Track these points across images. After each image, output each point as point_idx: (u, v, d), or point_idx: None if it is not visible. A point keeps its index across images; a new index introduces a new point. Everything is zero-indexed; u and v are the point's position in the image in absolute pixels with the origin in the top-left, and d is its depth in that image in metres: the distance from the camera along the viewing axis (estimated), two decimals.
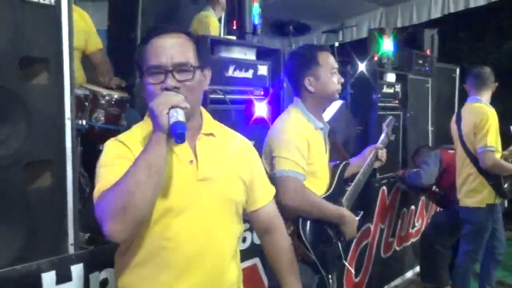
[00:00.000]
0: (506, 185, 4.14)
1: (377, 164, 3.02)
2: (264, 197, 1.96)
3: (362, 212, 2.86)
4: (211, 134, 1.80)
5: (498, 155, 4.08)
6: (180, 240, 1.65)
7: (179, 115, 1.49)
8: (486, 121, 4.07)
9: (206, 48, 1.77)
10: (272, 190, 2.03)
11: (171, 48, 1.65)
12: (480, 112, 4.18)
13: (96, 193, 1.56)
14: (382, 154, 2.99)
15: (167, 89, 1.60)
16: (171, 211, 1.64)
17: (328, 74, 2.64)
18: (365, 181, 2.94)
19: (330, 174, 2.79)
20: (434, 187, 4.91)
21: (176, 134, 1.47)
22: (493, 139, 4.04)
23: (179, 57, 1.64)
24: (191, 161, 1.70)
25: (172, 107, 1.50)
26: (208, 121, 1.83)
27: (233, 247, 1.83)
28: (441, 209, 5.23)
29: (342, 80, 2.71)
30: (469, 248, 4.27)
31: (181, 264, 1.66)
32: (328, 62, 2.65)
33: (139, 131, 1.74)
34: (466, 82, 4.45)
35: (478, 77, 4.34)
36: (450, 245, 4.74)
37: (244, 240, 3.09)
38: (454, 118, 4.46)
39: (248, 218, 1.95)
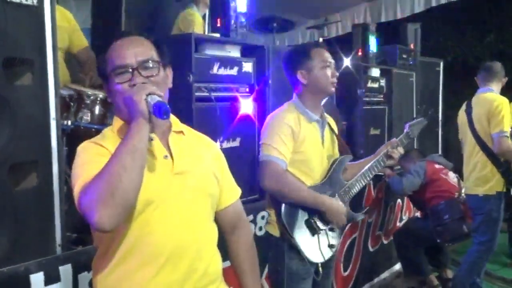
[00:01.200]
0: None
1: (389, 162, 2.97)
2: (232, 195, 2.00)
3: (364, 211, 2.87)
4: (181, 132, 1.85)
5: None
6: (160, 234, 1.66)
7: (157, 98, 1.57)
8: (502, 107, 4.17)
9: (165, 47, 1.84)
10: (238, 189, 2.05)
11: (134, 47, 1.71)
12: (494, 99, 4.28)
13: (78, 188, 1.55)
14: (393, 151, 2.93)
15: (135, 85, 1.65)
16: (150, 205, 1.65)
17: (320, 67, 2.73)
18: (372, 175, 2.95)
19: (328, 166, 2.83)
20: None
21: (161, 111, 1.54)
22: (507, 125, 4.13)
23: (142, 55, 1.70)
24: (166, 156, 1.73)
25: (149, 94, 1.57)
26: (176, 121, 1.87)
27: (214, 240, 1.86)
28: (417, 216, 5.37)
29: (337, 74, 2.80)
30: (485, 238, 4.28)
31: (163, 258, 1.66)
32: (321, 56, 2.75)
33: (110, 132, 1.79)
34: (477, 75, 4.54)
35: (489, 70, 4.46)
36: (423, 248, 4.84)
37: None
38: (463, 107, 4.53)
39: (216, 217, 1.93)
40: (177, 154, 1.75)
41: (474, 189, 4.32)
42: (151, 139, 1.68)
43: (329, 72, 2.75)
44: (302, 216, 2.67)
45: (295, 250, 2.64)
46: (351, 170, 2.94)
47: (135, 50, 1.70)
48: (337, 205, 2.73)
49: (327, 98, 4.53)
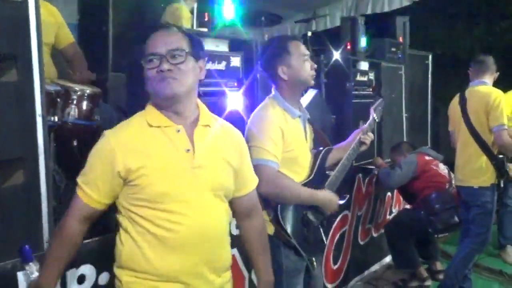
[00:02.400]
0: (509, 166, 4.24)
1: (362, 148, 3.03)
2: (250, 184, 2.16)
3: (348, 196, 2.90)
4: (208, 126, 1.97)
5: None
6: (177, 224, 1.82)
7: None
8: (500, 100, 4.19)
9: (200, 42, 2.00)
10: (256, 179, 2.20)
11: (166, 37, 1.88)
12: (491, 92, 4.29)
13: (78, 180, 1.90)
14: (365, 138, 3.00)
15: (162, 71, 1.81)
16: (166, 196, 1.82)
17: (300, 61, 2.72)
18: (351, 164, 2.98)
19: (312, 160, 2.84)
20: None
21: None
22: (505, 118, 4.16)
23: (172, 44, 1.85)
24: (188, 150, 1.87)
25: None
26: (204, 113, 1.99)
27: (226, 231, 2.01)
28: (406, 207, 5.39)
29: (315, 66, 2.79)
30: (481, 231, 4.30)
31: (180, 247, 1.83)
32: (299, 50, 2.73)
33: (138, 119, 1.95)
34: (470, 68, 4.55)
35: (482, 63, 4.47)
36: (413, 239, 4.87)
37: (237, 226, 3.11)
38: (456, 99, 4.54)
39: (232, 203, 2.09)
40: (199, 149, 1.89)
41: (468, 181, 4.33)
42: (178, 131, 1.87)
43: (308, 65, 2.74)
44: (296, 213, 2.66)
45: (290, 246, 2.65)
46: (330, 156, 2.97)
47: (166, 40, 1.86)
48: (330, 196, 2.76)
49: (316, 92, 4.58)
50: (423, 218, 4.63)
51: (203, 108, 2.01)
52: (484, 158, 4.24)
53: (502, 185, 4.31)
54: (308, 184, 2.73)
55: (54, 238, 1.99)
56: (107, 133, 1.92)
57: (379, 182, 4.99)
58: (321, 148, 2.92)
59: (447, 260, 4.61)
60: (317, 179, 2.78)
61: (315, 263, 2.77)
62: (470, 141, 4.30)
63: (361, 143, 3.00)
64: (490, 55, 4.54)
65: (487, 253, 5.50)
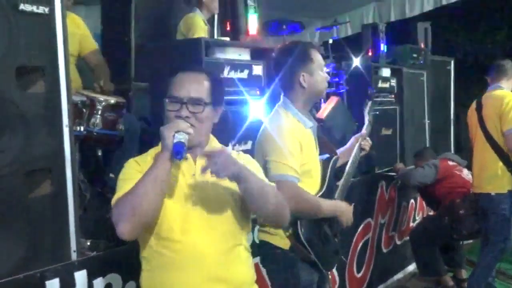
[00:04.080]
0: None
1: (362, 154, 3.04)
2: None
3: (353, 204, 2.89)
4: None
5: None
6: (182, 242, 1.90)
7: (181, 138, 1.82)
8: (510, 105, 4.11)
9: (222, 87, 2.12)
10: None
11: (190, 84, 1.97)
12: (504, 96, 4.23)
13: (113, 201, 1.88)
14: (365, 143, 3.01)
15: (179, 117, 1.91)
16: (175, 218, 1.92)
17: (320, 71, 2.69)
18: (355, 171, 2.97)
19: (322, 170, 2.79)
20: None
21: (174, 151, 1.80)
22: None
23: (195, 92, 1.96)
24: (193, 174, 1.99)
25: (178, 131, 1.83)
26: (213, 143, 2.11)
27: (235, 248, 2.01)
28: (430, 214, 5.33)
29: (328, 78, 2.80)
30: (499, 239, 4.23)
31: (184, 264, 1.90)
32: (319, 59, 2.71)
33: (153, 152, 2.04)
34: (488, 73, 4.49)
35: (499, 67, 4.41)
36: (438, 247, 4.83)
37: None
38: (473, 105, 4.47)
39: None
40: (199, 170, 1.94)
41: (485, 188, 4.26)
42: (186, 159, 1.95)
43: (325, 76, 2.72)
44: (314, 228, 2.62)
45: (307, 261, 2.60)
46: None
47: (190, 87, 1.97)
48: (346, 205, 2.74)
49: (338, 99, 4.58)
50: (447, 225, 4.59)
51: (213, 140, 2.12)
52: (500, 164, 4.16)
53: None
54: (324, 195, 2.69)
55: None
56: (131, 160, 2.05)
57: (402, 190, 4.96)
58: (327, 156, 2.85)
59: (472, 268, 4.55)
60: (328, 190, 2.74)
61: (330, 277, 2.77)
62: (486, 147, 4.23)
63: (361, 149, 3.01)
64: (510, 59, 4.48)
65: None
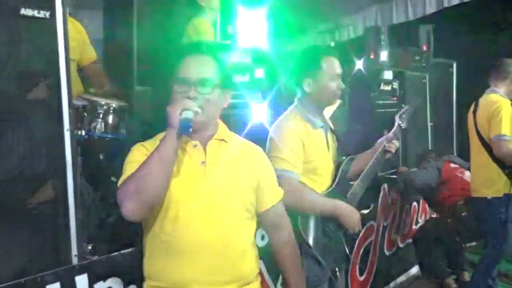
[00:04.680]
0: None
1: (387, 156, 2.99)
2: (271, 199, 2.15)
3: (372, 205, 2.88)
4: (223, 140, 2.04)
5: None
6: (187, 232, 1.89)
7: (188, 115, 1.81)
8: (500, 109, 4.07)
9: (230, 72, 2.12)
10: (280, 192, 2.20)
11: (198, 66, 1.95)
12: (494, 101, 4.19)
13: (119, 182, 1.87)
14: (390, 146, 2.95)
15: (189, 98, 1.88)
16: (178, 204, 1.89)
17: (328, 79, 2.69)
18: (375, 173, 2.94)
19: (335, 169, 2.82)
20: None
21: (182, 128, 1.78)
22: (507, 128, 4.03)
23: (203, 73, 1.94)
24: (203, 162, 1.97)
25: (184, 109, 1.81)
26: (223, 130, 2.08)
27: (240, 243, 2.01)
28: (433, 217, 5.34)
29: (343, 86, 2.75)
30: (495, 242, 4.22)
31: (188, 253, 1.89)
32: (331, 67, 2.70)
33: (160, 136, 1.96)
34: (488, 75, 4.44)
35: (497, 68, 4.36)
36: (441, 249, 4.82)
37: (262, 237, 3.10)
38: (471, 108, 4.44)
39: (259, 216, 2.14)
40: (212, 161, 1.97)
41: (482, 192, 4.23)
42: (194, 146, 1.97)
43: (335, 84, 2.71)
44: (317, 224, 2.65)
45: (312, 257, 2.63)
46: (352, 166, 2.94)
47: (198, 68, 1.94)
48: (350, 209, 2.73)
49: (340, 102, 4.56)
50: (450, 227, 4.57)
51: (223, 126, 2.09)
52: (495, 167, 4.12)
53: None
54: (329, 193, 2.72)
55: None
56: (138, 144, 2.04)
57: (405, 193, 4.94)
58: (344, 157, 2.90)
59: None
60: (339, 189, 2.76)
61: (338, 273, 2.75)
62: (481, 150, 4.19)
63: (385, 151, 2.95)
64: (507, 59, 4.39)
65: None
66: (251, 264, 2.07)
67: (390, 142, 2.96)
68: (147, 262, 2.00)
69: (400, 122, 3.12)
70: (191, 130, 1.80)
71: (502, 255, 4.32)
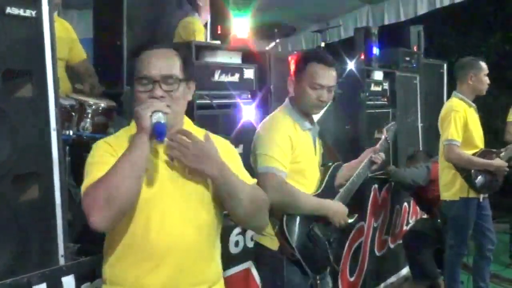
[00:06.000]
0: (478, 179, 4.12)
1: (373, 167, 3.03)
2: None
3: (356, 215, 2.88)
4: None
5: (472, 151, 4.13)
6: (156, 233, 1.76)
7: (160, 118, 1.69)
8: (449, 114, 4.11)
9: (191, 62, 2.00)
10: (251, 181, 2.04)
11: (160, 61, 1.81)
12: (447, 105, 4.27)
13: (83, 188, 1.71)
14: (376, 157, 2.98)
15: (154, 97, 1.77)
16: (149, 204, 1.76)
17: (308, 86, 2.61)
18: (360, 183, 2.94)
19: (321, 175, 2.81)
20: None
21: (157, 133, 1.67)
22: (455, 132, 4.05)
23: (166, 70, 1.81)
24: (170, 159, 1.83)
25: (155, 111, 1.69)
26: (188, 125, 1.96)
27: (207, 244, 1.90)
28: (423, 217, 5.37)
29: (324, 99, 2.63)
30: (452, 242, 4.30)
31: (157, 256, 1.77)
32: (314, 75, 2.59)
33: (125, 134, 1.88)
34: None
35: (455, 70, 4.39)
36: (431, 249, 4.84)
37: (236, 244, 3.10)
38: None
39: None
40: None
41: (442, 194, 4.30)
42: (161, 141, 1.77)
43: (315, 94, 2.60)
44: (302, 227, 2.61)
45: (295, 262, 2.59)
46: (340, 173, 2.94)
47: (160, 64, 1.81)
48: (339, 205, 2.73)
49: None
50: (439, 227, 4.59)
51: (188, 122, 1.98)
52: (453, 171, 4.15)
53: (481, 199, 4.20)
54: (317, 197, 2.70)
55: None
56: (100, 141, 1.89)
57: (395, 193, 4.96)
58: (330, 163, 2.89)
59: (465, 271, 4.55)
60: (325, 195, 2.74)
61: (318, 282, 2.72)
62: (443, 153, 4.22)
63: (372, 162, 2.98)
64: (468, 57, 4.39)
65: (504, 264, 5.46)
66: (217, 265, 1.97)
67: (377, 153, 2.99)
68: (109, 267, 1.85)
69: (387, 136, 3.15)
70: (164, 134, 1.69)
71: (461, 256, 4.37)
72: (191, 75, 1.91)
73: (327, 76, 2.62)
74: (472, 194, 4.14)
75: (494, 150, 4.29)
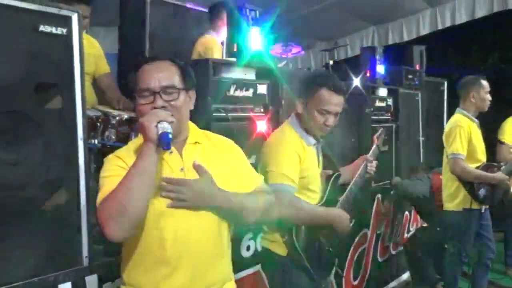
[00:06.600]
0: (481, 191, 4.10)
1: (367, 176, 3.04)
2: (255, 181, 2.03)
3: (354, 220, 2.87)
4: (197, 143, 1.92)
5: (475, 164, 4.11)
6: (171, 240, 1.76)
7: (165, 128, 1.67)
8: (454, 129, 4.09)
9: (190, 72, 1.93)
10: (258, 178, 2.07)
11: (158, 73, 1.80)
12: (452, 120, 4.23)
13: (98, 200, 1.72)
14: (371, 166, 3.00)
15: (156, 108, 1.75)
16: (163, 215, 1.76)
17: (315, 110, 2.58)
18: (356, 191, 2.93)
19: (323, 185, 2.80)
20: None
21: (163, 142, 1.64)
22: (460, 147, 4.04)
23: (165, 80, 1.80)
24: (182, 168, 1.83)
25: (160, 121, 1.67)
26: (194, 132, 1.95)
27: (219, 246, 1.89)
28: (424, 226, 5.33)
29: (329, 123, 2.59)
30: (453, 250, 4.27)
31: (173, 262, 1.77)
32: (324, 101, 2.56)
33: (133, 146, 1.88)
34: None
35: (458, 88, 4.36)
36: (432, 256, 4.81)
37: (248, 248, 3.09)
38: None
39: None
40: (190, 166, 1.81)
41: (446, 205, 4.27)
42: (170, 152, 1.79)
43: (322, 119, 2.57)
44: (309, 236, 2.60)
45: (303, 268, 2.58)
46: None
47: (159, 75, 1.79)
48: (342, 213, 2.71)
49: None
50: (439, 235, 4.55)
51: (193, 128, 1.96)
52: (457, 183, 4.13)
53: (483, 210, 4.20)
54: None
55: None
56: (112, 155, 1.88)
57: (397, 203, 4.93)
58: (330, 172, 2.87)
59: (464, 278, 4.50)
60: (329, 203, 2.74)
61: (323, 286, 2.75)
62: (446, 166, 4.22)
63: (366, 171, 2.99)
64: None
65: (499, 272, 5.41)
66: (229, 263, 1.98)
67: (370, 162, 3.00)
68: (127, 272, 1.85)
69: (378, 144, 3.14)
70: (170, 143, 1.67)
71: (461, 264, 4.33)
72: (191, 85, 1.90)
73: (336, 104, 2.59)
74: (474, 206, 4.12)
75: (495, 164, 4.26)
